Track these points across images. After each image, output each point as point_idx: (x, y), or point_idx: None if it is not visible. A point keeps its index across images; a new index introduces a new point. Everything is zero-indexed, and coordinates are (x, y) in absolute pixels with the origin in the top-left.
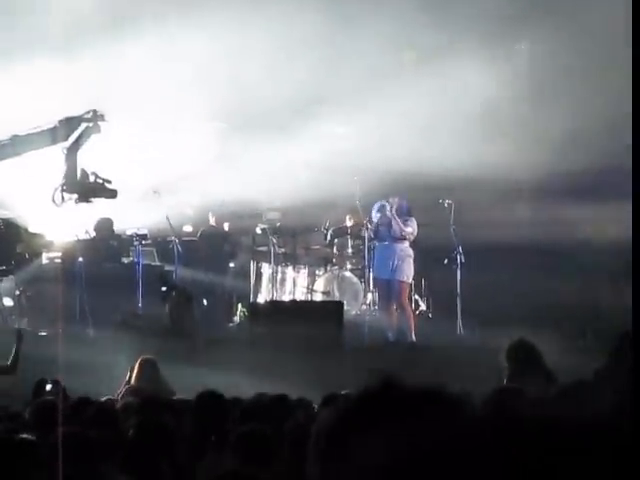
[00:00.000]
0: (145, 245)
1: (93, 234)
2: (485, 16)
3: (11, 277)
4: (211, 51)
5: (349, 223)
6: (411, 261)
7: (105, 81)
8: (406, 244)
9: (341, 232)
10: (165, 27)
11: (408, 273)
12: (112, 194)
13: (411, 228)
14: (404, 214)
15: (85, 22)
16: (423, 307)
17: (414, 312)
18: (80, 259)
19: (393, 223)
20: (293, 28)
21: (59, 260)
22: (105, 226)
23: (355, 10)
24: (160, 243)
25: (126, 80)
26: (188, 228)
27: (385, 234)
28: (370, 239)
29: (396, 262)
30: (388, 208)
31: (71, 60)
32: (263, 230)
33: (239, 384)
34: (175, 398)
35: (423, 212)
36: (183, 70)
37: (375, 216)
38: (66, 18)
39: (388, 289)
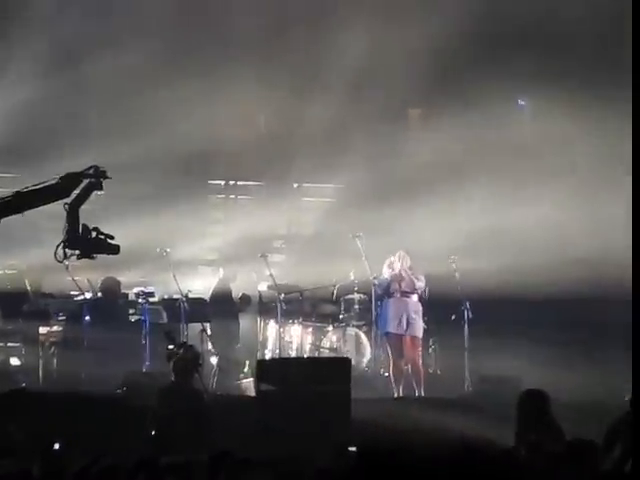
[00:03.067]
0: (152, 303)
1: (99, 293)
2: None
3: (18, 336)
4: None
5: (354, 279)
6: (419, 316)
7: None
8: (416, 299)
9: (347, 288)
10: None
11: (419, 328)
12: (114, 250)
13: (422, 282)
14: (410, 268)
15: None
16: (431, 363)
17: (423, 368)
18: (87, 318)
19: (405, 277)
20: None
21: (65, 318)
22: (111, 284)
23: None
24: (167, 301)
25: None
26: (196, 286)
27: (396, 289)
28: (380, 295)
29: (408, 317)
30: (392, 264)
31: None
32: (269, 287)
33: (247, 443)
34: (181, 458)
35: (428, 267)
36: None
37: (386, 271)
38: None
39: (400, 344)
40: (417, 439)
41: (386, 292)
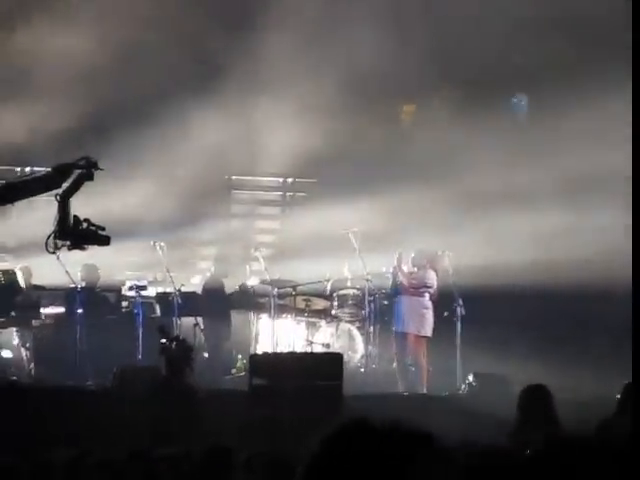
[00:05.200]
0: (145, 297)
1: (82, 283)
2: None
3: (10, 329)
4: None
5: (348, 274)
6: (428, 313)
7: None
8: (424, 297)
9: (341, 284)
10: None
11: (425, 326)
12: (105, 241)
13: (428, 280)
14: (421, 265)
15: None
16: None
17: (428, 366)
18: (80, 310)
19: (408, 275)
20: None
21: (59, 312)
22: (92, 273)
23: None
24: (160, 294)
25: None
26: (193, 279)
27: (402, 287)
28: (389, 293)
29: (411, 315)
30: (400, 261)
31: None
32: (263, 282)
33: (238, 437)
34: (173, 450)
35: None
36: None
37: (390, 269)
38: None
39: (403, 342)
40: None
41: (394, 290)
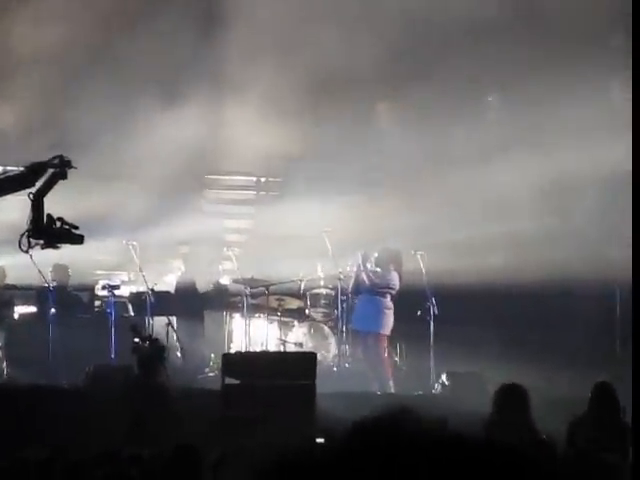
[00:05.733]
0: (118, 296)
1: (53, 282)
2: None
3: None
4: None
5: (321, 274)
6: (389, 313)
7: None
8: (385, 297)
9: (314, 283)
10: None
11: (385, 325)
12: (78, 240)
13: (391, 280)
14: (384, 265)
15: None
16: (396, 359)
17: (390, 364)
18: (52, 310)
19: (370, 275)
20: None
21: (31, 311)
22: (63, 272)
23: None
24: (133, 294)
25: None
26: (165, 278)
27: (363, 286)
28: (347, 291)
29: (373, 314)
30: (364, 260)
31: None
32: (236, 281)
33: (210, 436)
34: (143, 451)
35: (401, 263)
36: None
37: (354, 268)
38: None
39: (365, 341)
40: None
41: (355, 289)
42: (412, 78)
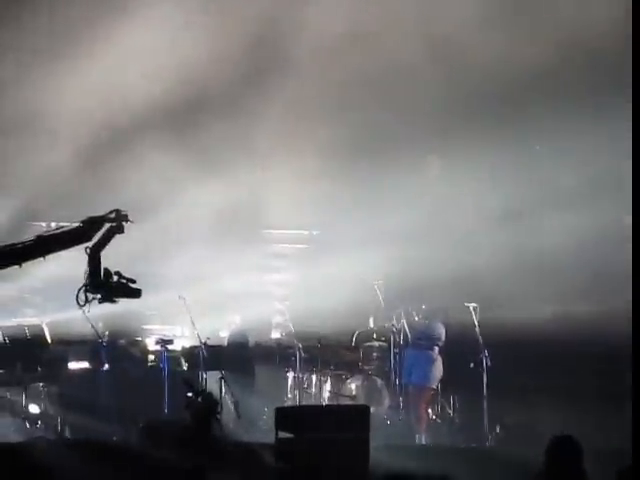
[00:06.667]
0: (171, 351)
1: (106, 337)
2: None
3: (37, 384)
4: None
5: (373, 326)
6: (436, 366)
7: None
8: (432, 349)
9: (367, 336)
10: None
11: (430, 378)
12: (136, 294)
13: (437, 333)
14: (431, 317)
15: None
16: (449, 411)
17: (430, 417)
18: (106, 365)
19: (418, 328)
20: None
21: (84, 367)
22: (115, 327)
23: None
24: (186, 348)
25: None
26: (218, 332)
27: (411, 339)
28: (396, 344)
29: (419, 367)
30: (414, 314)
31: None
32: (288, 334)
33: None
34: None
35: (447, 315)
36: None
37: (401, 321)
38: None
39: (411, 394)
40: None
41: (402, 342)
42: (459, 130)
